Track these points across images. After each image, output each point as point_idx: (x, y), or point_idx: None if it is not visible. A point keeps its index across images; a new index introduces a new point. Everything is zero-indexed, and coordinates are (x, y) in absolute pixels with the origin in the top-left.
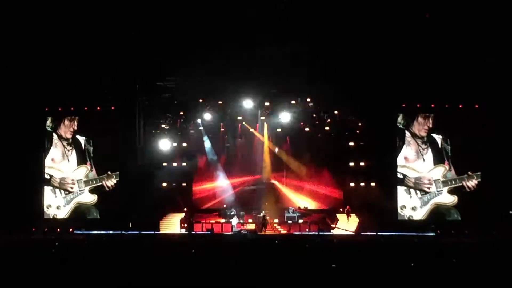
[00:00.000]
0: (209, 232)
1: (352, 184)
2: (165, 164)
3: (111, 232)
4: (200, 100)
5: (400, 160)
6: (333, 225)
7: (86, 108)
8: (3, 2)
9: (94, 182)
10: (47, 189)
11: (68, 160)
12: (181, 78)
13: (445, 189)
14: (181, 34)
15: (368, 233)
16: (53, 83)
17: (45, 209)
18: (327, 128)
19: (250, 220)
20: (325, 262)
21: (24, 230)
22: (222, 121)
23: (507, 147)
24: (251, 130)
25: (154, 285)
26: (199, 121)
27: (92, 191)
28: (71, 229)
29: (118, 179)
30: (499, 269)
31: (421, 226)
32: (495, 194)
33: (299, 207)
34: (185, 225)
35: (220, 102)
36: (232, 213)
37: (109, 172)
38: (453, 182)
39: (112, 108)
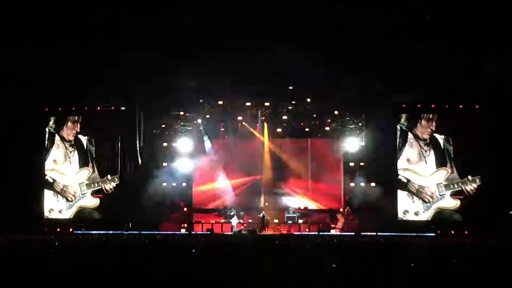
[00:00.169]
0: (209, 232)
1: (352, 184)
2: (165, 164)
3: (111, 232)
4: (200, 100)
5: (402, 162)
6: (333, 225)
7: (86, 108)
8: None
9: (96, 185)
10: (49, 193)
11: (70, 162)
12: (181, 78)
13: (448, 193)
14: (181, 34)
15: (368, 234)
16: (53, 83)
17: (47, 213)
18: (327, 128)
19: (250, 220)
20: (325, 262)
21: (23, 231)
22: (222, 121)
23: (509, 148)
24: (251, 130)
25: (154, 285)
26: (199, 121)
27: (94, 194)
28: (71, 229)
29: (117, 182)
30: (499, 269)
31: (421, 226)
32: (497, 195)
33: (299, 207)
34: (185, 225)
35: (220, 102)
36: (232, 213)
37: (109, 176)
38: (455, 186)
39: (112, 108)
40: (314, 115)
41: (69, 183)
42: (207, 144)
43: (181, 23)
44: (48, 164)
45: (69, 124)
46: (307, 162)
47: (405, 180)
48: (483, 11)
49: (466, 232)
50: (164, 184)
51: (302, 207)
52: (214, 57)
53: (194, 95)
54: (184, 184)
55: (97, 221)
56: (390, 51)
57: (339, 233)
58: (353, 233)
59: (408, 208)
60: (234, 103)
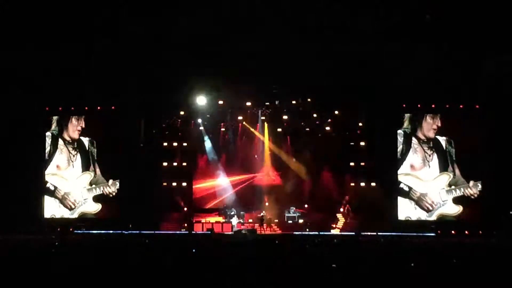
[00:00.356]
0: (209, 232)
1: (352, 184)
2: (165, 163)
3: (111, 231)
4: (201, 99)
5: (405, 168)
6: (333, 225)
7: (86, 108)
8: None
9: (97, 190)
10: (50, 199)
11: (73, 166)
12: (181, 78)
13: (450, 199)
14: (181, 34)
15: (368, 233)
16: (53, 83)
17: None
18: (327, 128)
19: (250, 220)
20: (325, 262)
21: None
22: (223, 121)
23: (509, 148)
24: (252, 129)
25: (154, 285)
26: (199, 120)
27: (96, 199)
28: (71, 229)
29: (118, 187)
30: (500, 269)
31: (421, 226)
32: (497, 196)
33: (299, 207)
34: (185, 224)
35: (220, 102)
36: (232, 212)
37: (111, 181)
38: (457, 191)
39: (113, 107)
40: (315, 115)
41: (70, 189)
42: (208, 143)
43: (181, 23)
44: (50, 169)
45: (73, 121)
46: (307, 161)
47: (406, 189)
48: (483, 11)
49: (466, 232)
50: (165, 183)
51: (302, 207)
52: (215, 57)
53: (195, 94)
54: (184, 184)
55: (97, 220)
56: (390, 51)
57: (339, 233)
58: (353, 233)
59: (411, 214)
60: (235, 103)
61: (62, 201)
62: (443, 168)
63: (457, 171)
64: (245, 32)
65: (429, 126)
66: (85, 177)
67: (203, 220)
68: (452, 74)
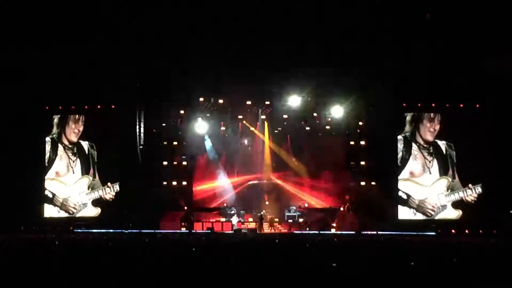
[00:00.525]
0: (210, 231)
1: (352, 184)
2: (165, 163)
3: (111, 230)
4: (201, 99)
5: (405, 174)
6: (333, 224)
7: (86, 107)
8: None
9: (96, 194)
10: (49, 206)
11: (73, 172)
12: (181, 77)
13: (449, 203)
14: (182, 34)
15: (368, 232)
16: (53, 82)
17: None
18: (327, 127)
19: (250, 219)
20: (325, 261)
21: (23, 230)
22: (223, 120)
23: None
24: (252, 129)
25: (154, 284)
26: (199, 120)
27: (95, 203)
28: (71, 228)
29: (117, 190)
30: (500, 268)
31: (421, 225)
32: (498, 197)
33: (299, 206)
34: (186, 223)
35: (220, 101)
36: (233, 212)
37: (109, 183)
38: (455, 195)
39: (113, 106)
40: (315, 114)
41: (69, 194)
42: (208, 143)
43: (181, 23)
44: (50, 174)
45: (71, 123)
46: (307, 160)
47: (405, 196)
48: (484, 11)
49: (466, 231)
50: (165, 183)
51: (302, 206)
52: (215, 56)
53: (195, 94)
54: (184, 183)
55: (98, 220)
56: (391, 51)
57: (339, 232)
58: (353, 232)
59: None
60: (235, 102)
61: (62, 208)
62: (443, 172)
63: (457, 176)
64: (245, 32)
65: (426, 129)
66: (84, 181)
67: (203, 219)
68: (452, 74)
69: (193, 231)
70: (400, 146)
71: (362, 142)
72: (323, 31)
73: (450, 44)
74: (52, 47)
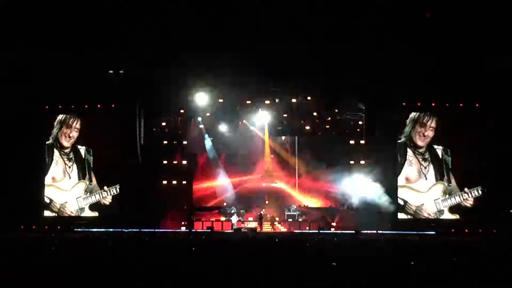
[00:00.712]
0: (210, 230)
1: (352, 183)
2: (165, 162)
3: (111, 230)
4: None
5: (401, 180)
6: (333, 224)
7: (86, 106)
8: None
9: (93, 198)
10: (46, 212)
11: (70, 177)
12: (181, 76)
13: (446, 208)
14: (182, 33)
15: (368, 232)
16: (53, 81)
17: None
18: (327, 126)
19: (250, 218)
20: (325, 261)
21: (23, 229)
22: (223, 120)
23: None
24: (252, 128)
25: (154, 283)
26: (199, 119)
27: (92, 208)
28: (71, 227)
29: (114, 193)
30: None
31: (421, 224)
32: (497, 197)
33: (299, 205)
34: (186, 223)
35: (220, 100)
36: (232, 211)
37: (106, 187)
38: (452, 200)
39: (112, 105)
40: (315, 113)
41: (66, 199)
42: (208, 142)
43: (180, 22)
44: (46, 180)
45: (65, 129)
46: (307, 160)
47: (402, 203)
48: (484, 11)
49: (466, 230)
50: (165, 182)
51: (302, 205)
52: (215, 55)
53: (195, 93)
54: (184, 182)
55: (97, 218)
56: (391, 51)
57: (339, 231)
58: (353, 231)
59: None
60: (235, 102)
61: (59, 213)
62: (439, 177)
63: (453, 181)
64: (245, 31)
65: (422, 135)
66: (80, 186)
67: (203, 219)
68: (452, 73)
69: (193, 230)
70: (396, 152)
71: (362, 142)
72: (323, 30)
73: (450, 43)
74: (52, 47)
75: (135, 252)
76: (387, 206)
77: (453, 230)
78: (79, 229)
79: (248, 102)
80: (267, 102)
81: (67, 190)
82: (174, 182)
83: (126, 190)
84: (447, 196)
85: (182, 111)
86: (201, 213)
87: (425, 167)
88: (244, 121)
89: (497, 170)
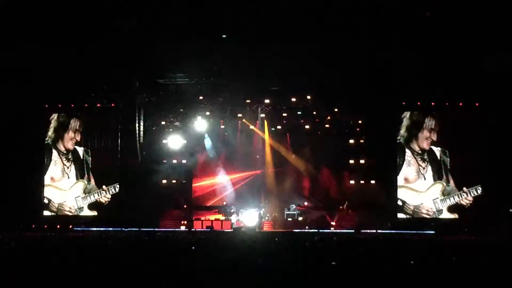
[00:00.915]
0: (209, 229)
1: (352, 182)
2: (165, 161)
3: (110, 229)
4: (200, 97)
5: (399, 180)
6: (332, 223)
7: (86, 105)
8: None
9: (92, 198)
10: (45, 212)
11: (68, 177)
12: (181, 75)
13: (445, 207)
14: (182, 32)
15: (368, 231)
16: (52, 80)
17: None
18: (327, 125)
19: (250, 218)
20: (324, 260)
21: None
22: (222, 118)
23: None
24: (251, 127)
25: (153, 282)
26: (199, 118)
27: (91, 207)
28: (70, 226)
29: (113, 192)
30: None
31: (420, 224)
32: (497, 197)
33: (299, 205)
34: (185, 222)
35: (220, 99)
36: (232, 210)
37: (104, 187)
38: (451, 200)
39: (112, 105)
40: (314, 112)
41: (64, 199)
42: (207, 141)
43: (180, 21)
44: (45, 180)
45: (70, 133)
46: (307, 159)
47: (400, 203)
48: (484, 10)
49: (465, 229)
50: (164, 181)
51: (302, 205)
52: (215, 54)
53: (194, 92)
54: (184, 181)
55: (96, 217)
56: (390, 50)
57: (338, 230)
58: (352, 231)
59: None
60: (234, 100)
61: (58, 213)
62: (438, 178)
63: (452, 182)
64: (245, 30)
65: (424, 139)
66: (79, 185)
67: (202, 218)
68: (452, 73)
69: (192, 229)
70: (395, 151)
71: (362, 141)
72: (323, 30)
73: (449, 43)
74: (52, 46)
75: (135, 252)
76: (386, 205)
77: (452, 229)
78: (79, 228)
79: (248, 101)
80: (267, 101)
81: (65, 189)
82: (174, 181)
83: (125, 189)
84: (445, 196)
85: (181, 110)
86: (200, 212)
87: (424, 168)
88: (244, 120)
89: (497, 170)
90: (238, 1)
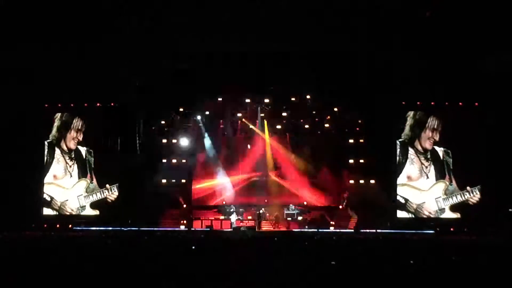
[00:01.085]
0: (209, 229)
1: (351, 181)
2: (164, 160)
3: (110, 228)
4: (200, 97)
5: (402, 178)
6: (332, 222)
7: (86, 105)
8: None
9: (95, 196)
10: (47, 210)
11: (71, 175)
12: (181, 75)
13: (447, 206)
14: (182, 30)
15: (367, 231)
16: (52, 80)
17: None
18: (326, 125)
19: (249, 217)
20: (324, 259)
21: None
22: (222, 118)
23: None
24: (251, 126)
25: (153, 282)
26: (198, 117)
27: (93, 206)
28: (70, 225)
29: (117, 193)
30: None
31: (420, 223)
32: (497, 197)
33: (298, 204)
34: (185, 221)
35: (219, 99)
36: (232, 210)
37: (108, 185)
38: (453, 199)
39: (112, 104)
40: (314, 112)
41: (67, 197)
42: (207, 141)
43: (179, 20)
44: (47, 178)
45: (73, 132)
46: (307, 158)
47: (402, 201)
48: (483, 10)
49: (465, 229)
50: (164, 180)
51: (301, 204)
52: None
53: (194, 91)
54: (183, 181)
55: (96, 216)
56: (390, 49)
57: (338, 230)
58: (352, 230)
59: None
60: (234, 100)
61: (59, 211)
62: (440, 177)
63: (454, 181)
64: (245, 30)
65: (427, 138)
66: (81, 184)
67: (202, 217)
68: (452, 73)
69: (192, 229)
70: (397, 150)
71: (361, 140)
72: (323, 29)
73: (449, 43)
74: (52, 45)
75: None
76: (386, 204)
77: (452, 228)
78: (78, 228)
79: (248, 100)
80: (267, 100)
81: (68, 188)
82: (173, 180)
83: (125, 189)
84: (448, 194)
85: (181, 109)
86: (200, 212)
87: (427, 166)
88: (243, 119)
89: (497, 170)
90: (238, 1)
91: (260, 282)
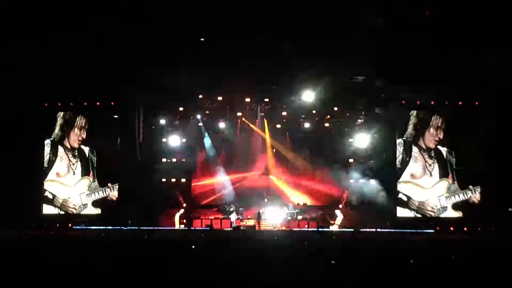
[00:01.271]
0: (208, 228)
1: (351, 181)
2: (164, 159)
3: (110, 227)
4: (200, 96)
5: (405, 176)
6: (332, 222)
7: (85, 104)
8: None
9: (97, 194)
10: (49, 207)
11: (74, 173)
12: (181, 74)
13: (449, 205)
14: (181, 30)
15: (367, 230)
16: (53, 80)
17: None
18: (326, 124)
19: (249, 216)
20: (324, 259)
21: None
22: (222, 117)
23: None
24: (251, 126)
25: (153, 281)
26: (198, 117)
27: (95, 204)
28: (70, 225)
29: (115, 190)
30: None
31: (420, 223)
32: (498, 197)
33: (298, 203)
34: (184, 220)
35: (220, 98)
36: (231, 209)
37: (109, 184)
38: (456, 197)
39: (112, 103)
40: (314, 112)
41: (69, 195)
42: (207, 140)
43: (179, 20)
44: (50, 176)
45: (76, 130)
46: (307, 158)
47: (405, 198)
48: (484, 10)
49: (465, 228)
50: (164, 180)
51: (301, 203)
52: (214, 53)
53: (194, 91)
54: (183, 180)
55: (96, 216)
56: (391, 49)
57: (338, 229)
58: (352, 229)
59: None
60: (234, 99)
61: (62, 208)
62: (443, 175)
63: (456, 181)
64: (245, 30)
65: (431, 137)
66: (84, 182)
67: (202, 216)
68: (452, 72)
69: (192, 228)
70: (400, 149)
71: (361, 140)
72: (323, 29)
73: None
74: (51, 46)
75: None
76: (386, 203)
77: (452, 228)
78: (78, 227)
79: (248, 99)
80: (267, 100)
81: (70, 185)
82: (173, 180)
83: (125, 188)
84: (451, 193)
85: (181, 108)
86: (200, 211)
87: (430, 165)
88: (243, 118)
89: (497, 170)
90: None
91: (260, 281)
